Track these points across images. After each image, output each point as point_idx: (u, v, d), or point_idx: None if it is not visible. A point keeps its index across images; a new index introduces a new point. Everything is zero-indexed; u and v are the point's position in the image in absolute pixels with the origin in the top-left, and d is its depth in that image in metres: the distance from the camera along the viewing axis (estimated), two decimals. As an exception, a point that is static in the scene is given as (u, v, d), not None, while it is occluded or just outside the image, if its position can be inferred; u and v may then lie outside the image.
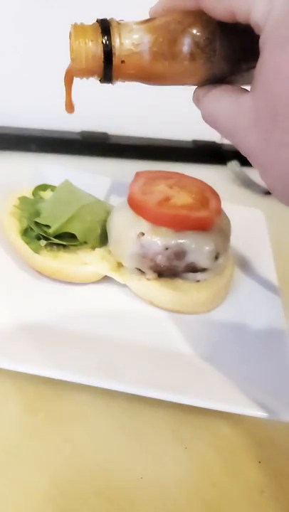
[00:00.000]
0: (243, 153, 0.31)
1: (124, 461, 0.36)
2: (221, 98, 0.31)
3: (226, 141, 0.88)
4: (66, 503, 0.33)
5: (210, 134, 0.87)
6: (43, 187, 0.58)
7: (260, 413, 0.37)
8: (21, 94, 0.78)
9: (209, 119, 0.33)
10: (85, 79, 0.34)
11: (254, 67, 0.28)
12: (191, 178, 0.53)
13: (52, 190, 0.58)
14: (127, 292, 0.49)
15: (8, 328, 0.42)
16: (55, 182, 0.58)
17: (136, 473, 0.35)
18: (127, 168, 0.56)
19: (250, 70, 0.32)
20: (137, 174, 0.52)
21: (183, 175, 0.53)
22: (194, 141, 0.87)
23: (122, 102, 0.78)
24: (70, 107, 0.40)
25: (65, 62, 0.80)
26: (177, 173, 0.54)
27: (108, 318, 0.46)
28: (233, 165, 0.84)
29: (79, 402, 0.39)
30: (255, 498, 0.35)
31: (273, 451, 0.38)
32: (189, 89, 0.75)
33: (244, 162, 0.84)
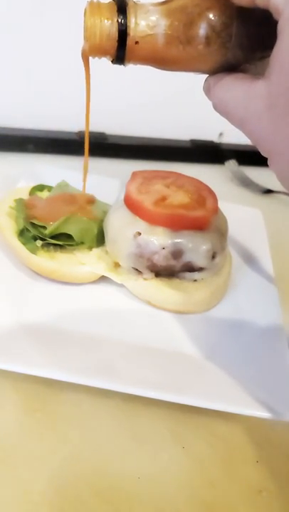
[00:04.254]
0: (253, 141, 0.31)
1: (122, 461, 0.36)
2: (234, 85, 0.31)
3: (223, 141, 0.89)
4: (63, 503, 0.33)
5: (208, 134, 0.88)
6: (40, 187, 0.58)
7: (258, 413, 0.37)
8: (18, 94, 0.78)
9: (220, 107, 0.32)
10: (97, 58, 0.34)
11: (268, 56, 0.28)
12: (187, 177, 0.53)
13: (48, 191, 0.58)
14: (124, 292, 0.49)
15: (5, 329, 0.42)
16: (52, 182, 0.58)
17: (133, 473, 0.35)
18: (126, 168, 0.56)
19: (264, 59, 0.32)
20: (134, 174, 0.52)
21: (180, 174, 0.53)
22: (192, 141, 0.87)
23: (120, 102, 0.78)
24: (88, 86, 0.39)
25: (64, 62, 0.80)
26: (174, 172, 0.53)
27: (105, 318, 0.46)
28: (231, 164, 0.84)
29: (76, 401, 0.39)
30: (253, 497, 0.35)
31: (271, 451, 0.38)
32: (188, 90, 0.75)
33: (242, 161, 0.84)
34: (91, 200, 0.55)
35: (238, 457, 0.38)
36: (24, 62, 0.76)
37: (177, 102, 0.83)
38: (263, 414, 0.37)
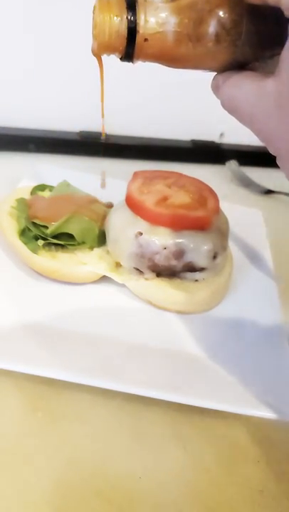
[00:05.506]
0: (262, 139, 0.31)
1: (123, 461, 0.36)
2: (243, 83, 0.31)
3: (224, 141, 0.89)
4: (65, 502, 0.33)
5: (208, 134, 0.88)
6: (41, 187, 0.58)
7: (259, 412, 0.37)
8: (19, 94, 0.78)
9: (229, 105, 0.32)
10: (105, 55, 0.33)
11: (278, 54, 0.28)
12: (189, 177, 0.53)
13: (50, 191, 0.58)
14: (125, 292, 0.49)
15: (7, 328, 0.42)
16: (53, 182, 0.59)
17: (135, 473, 0.35)
18: (127, 168, 0.56)
19: (273, 57, 0.31)
20: (135, 174, 0.52)
21: (181, 174, 0.53)
22: (193, 141, 0.87)
23: (121, 102, 0.78)
24: (102, 83, 0.39)
25: (65, 62, 0.80)
26: (175, 172, 0.54)
27: (107, 318, 0.46)
28: (232, 164, 0.84)
29: (78, 401, 0.39)
30: (254, 497, 0.35)
31: (272, 451, 0.38)
32: (189, 90, 0.74)
33: (242, 162, 0.85)
34: (92, 200, 0.55)
35: (240, 457, 0.38)
36: (25, 63, 0.76)
37: (178, 102, 0.83)
38: (264, 413, 0.37)
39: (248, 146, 0.87)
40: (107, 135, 0.83)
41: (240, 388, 0.39)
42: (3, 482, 0.33)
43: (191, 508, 0.34)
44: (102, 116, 0.42)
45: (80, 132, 0.82)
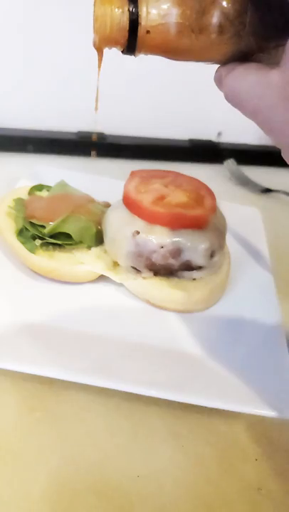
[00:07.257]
0: (266, 132, 0.30)
1: (121, 460, 0.36)
2: (247, 75, 0.30)
3: (222, 140, 0.89)
4: (63, 501, 0.33)
5: (206, 133, 0.88)
6: (39, 187, 0.58)
7: (257, 410, 0.37)
8: (17, 95, 0.79)
9: (233, 98, 0.31)
10: (107, 49, 0.33)
11: (283, 44, 0.27)
12: (186, 176, 0.53)
13: (47, 191, 0.58)
14: (123, 291, 0.49)
15: (4, 328, 0.42)
16: (51, 182, 0.59)
17: (133, 472, 0.35)
18: (124, 168, 0.56)
19: (278, 47, 0.31)
20: (132, 173, 0.52)
21: (178, 173, 0.53)
22: (191, 140, 0.87)
23: (119, 102, 0.78)
24: (98, 75, 0.38)
25: (63, 63, 0.80)
26: (172, 171, 0.53)
27: (105, 317, 0.46)
28: (230, 163, 0.84)
29: (76, 400, 0.39)
30: (253, 495, 0.35)
31: (270, 449, 0.38)
32: (187, 89, 0.74)
33: (240, 160, 0.85)
34: (90, 200, 0.55)
35: (237, 455, 0.38)
36: (24, 63, 0.76)
37: (176, 102, 0.83)
38: (262, 412, 0.37)
39: (246, 144, 0.87)
40: (104, 135, 0.83)
41: (238, 386, 0.39)
42: (1, 481, 0.33)
43: (190, 507, 0.34)
44: (96, 106, 0.42)
45: (78, 132, 0.82)
